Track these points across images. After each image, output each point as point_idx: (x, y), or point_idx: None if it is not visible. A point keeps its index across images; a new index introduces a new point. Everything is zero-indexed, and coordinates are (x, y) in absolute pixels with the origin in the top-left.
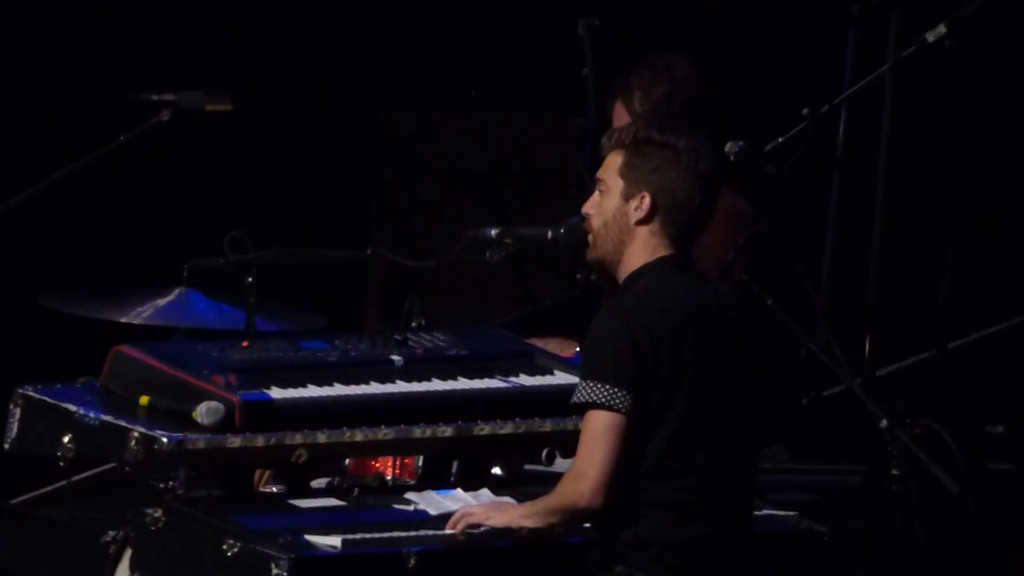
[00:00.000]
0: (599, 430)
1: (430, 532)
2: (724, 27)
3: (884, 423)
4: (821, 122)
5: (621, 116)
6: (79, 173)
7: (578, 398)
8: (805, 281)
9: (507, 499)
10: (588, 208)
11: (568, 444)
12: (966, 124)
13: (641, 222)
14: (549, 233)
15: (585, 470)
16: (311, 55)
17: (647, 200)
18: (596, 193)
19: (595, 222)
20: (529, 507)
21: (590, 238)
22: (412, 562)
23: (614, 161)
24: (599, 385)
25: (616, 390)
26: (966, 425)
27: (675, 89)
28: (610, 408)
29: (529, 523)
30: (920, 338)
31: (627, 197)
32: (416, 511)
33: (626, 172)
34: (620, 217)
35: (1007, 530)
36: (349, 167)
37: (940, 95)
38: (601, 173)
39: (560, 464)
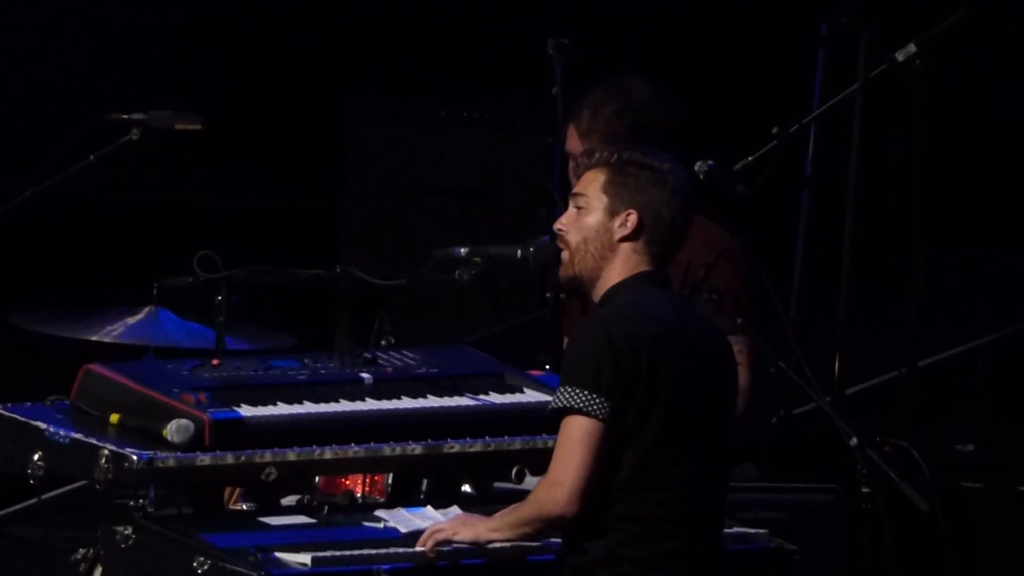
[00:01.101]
0: (576, 437)
1: (400, 550)
2: (694, 46)
3: (854, 441)
4: (791, 141)
5: (571, 137)
6: (49, 192)
7: (556, 403)
8: (774, 299)
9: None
10: (563, 224)
11: (538, 462)
12: (936, 143)
13: (625, 239)
14: (519, 252)
15: (561, 477)
16: (280, 74)
17: (633, 217)
18: (572, 209)
19: (573, 237)
20: (497, 519)
21: (564, 255)
22: None
23: (595, 178)
24: (578, 391)
25: (594, 396)
26: (936, 443)
27: (624, 110)
28: (588, 414)
29: (498, 535)
30: (890, 356)
31: (612, 214)
32: (386, 529)
33: (611, 189)
34: (603, 233)
35: (977, 549)
36: (318, 186)
37: (910, 114)
38: (580, 189)
39: (530, 482)
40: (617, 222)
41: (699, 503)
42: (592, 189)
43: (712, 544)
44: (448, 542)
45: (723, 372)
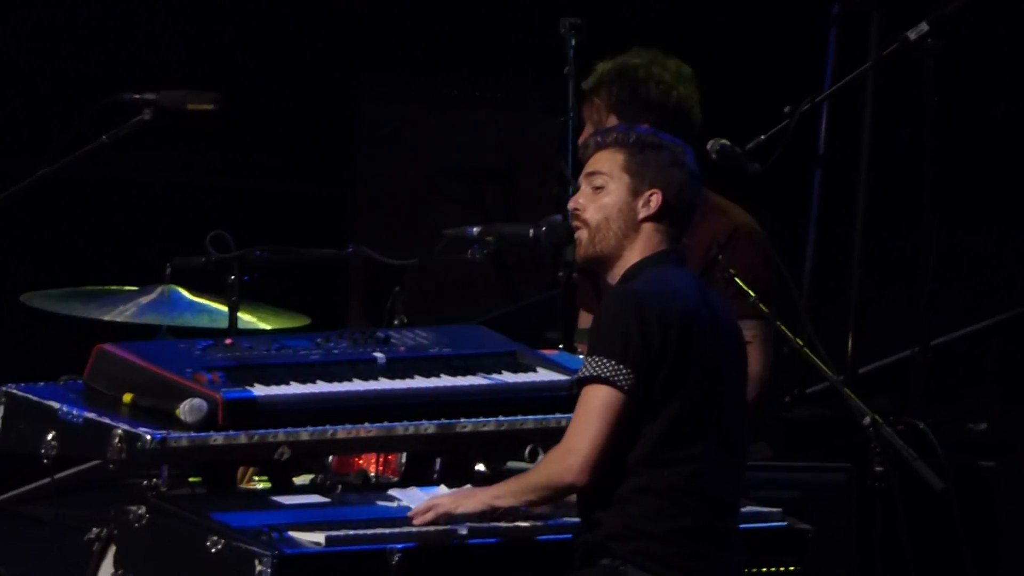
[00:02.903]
0: (596, 406)
1: (414, 529)
2: (706, 26)
3: (867, 420)
4: (803, 120)
5: (590, 112)
6: (61, 172)
7: (582, 372)
8: (787, 278)
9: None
10: (580, 203)
11: (551, 441)
12: (948, 121)
13: (648, 218)
14: (531, 231)
15: (576, 445)
16: (291, 54)
17: (657, 197)
18: (587, 188)
19: (593, 216)
20: (502, 486)
21: (580, 233)
22: (396, 559)
23: (614, 158)
24: (604, 361)
25: (620, 367)
26: (949, 422)
27: (645, 88)
28: (612, 384)
29: (502, 503)
30: (903, 335)
31: (635, 193)
32: (400, 508)
33: (633, 169)
34: (627, 212)
35: (990, 527)
36: (330, 166)
37: (921, 93)
38: (597, 167)
39: None
40: (640, 202)
41: (717, 480)
42: (611, 168)
43: (728, 521)
44: (450, 515)
45: (737, 354)
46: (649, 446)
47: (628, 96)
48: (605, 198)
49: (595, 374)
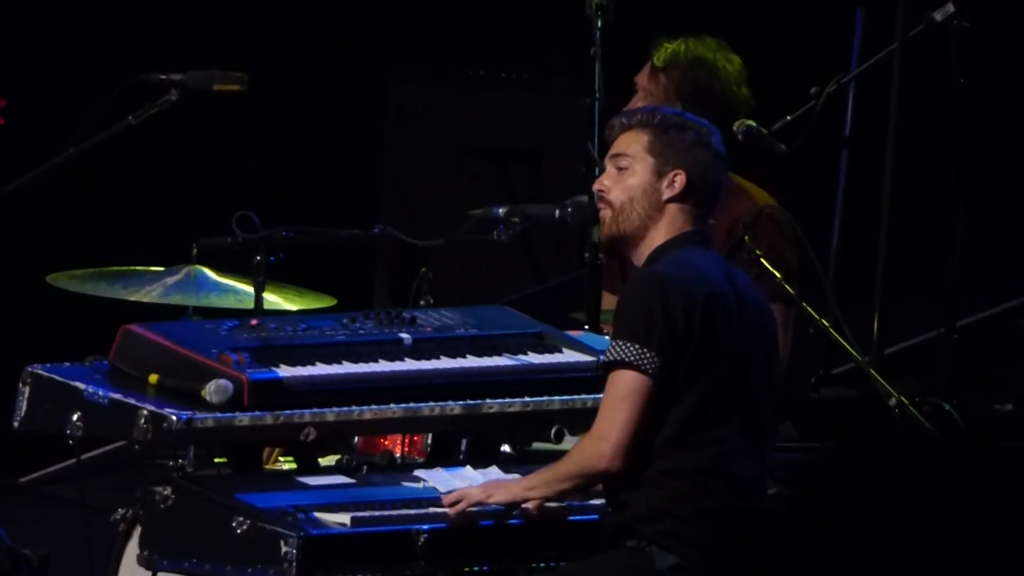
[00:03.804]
0: (624, 391)
1: (440, 510)
2: (733, 7)
3: (893, 401)
4: (829, 101)
5: (651, 85)
6: (88, 153)
7: (607, 357)
8: (813, 259)
9: (513, 475)
10: (605, 184)
11: (577, 422)
12: (973, 102)
13: (672, 199)
14: (556, 212)
15: (607, 431)
16: (319, 35)
17: (681, 177)
18: (612, 169)
19: (617, 197)
20: (535, 477)
21: (604, 214)
22: (422, 540)
23: (638, 139)
24: (629, 345)
25: (645, 351)
26: (975, 403)
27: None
28: (637, 368)
29: (536, 494)
30: (929, 316)
31: (659, 174)
32: (425, 489)
33: (657, 149)
34: (651, 193)
35: (1016, 508)
36: (357, 146)
37: (948, 73)
38: (622, 149)
39: (569, 442)
40: (664, 182)
41: (742, 461)
42: (635, 149)
43: (753, 502)
44: (482, 505)
45: (765, 335)
46: (674, 429)
47: (703, 86)
48: (630, 179)
49: (620, 358)
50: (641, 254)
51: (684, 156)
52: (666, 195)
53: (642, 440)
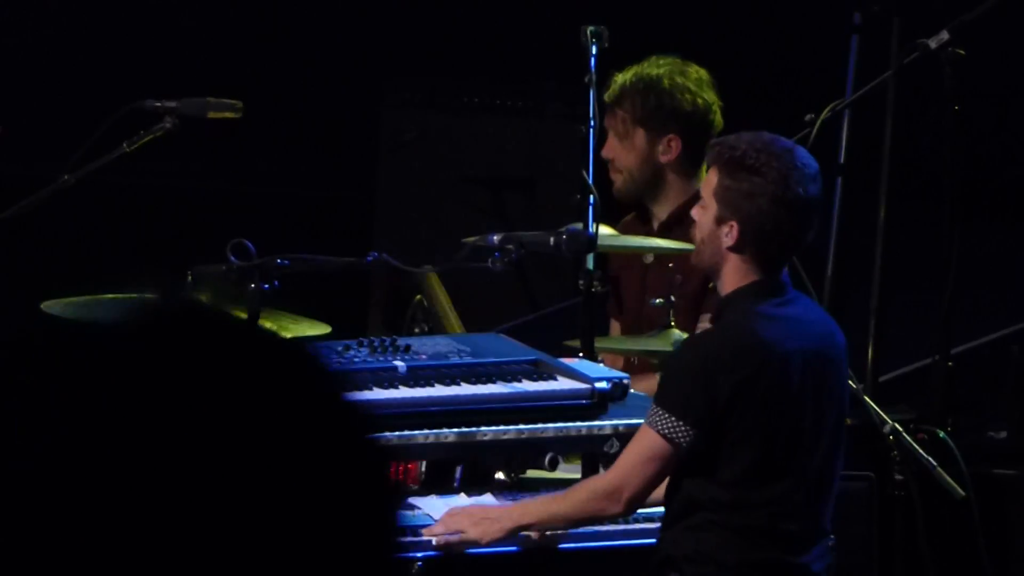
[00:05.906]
0: (652, 455)
1: (435, 538)
2: (727, 34)
3: (887, 428)
4: (824, 128)
5: (613, 123)
6: (83, 180)
7: (646, 420)
8: (807, 286)
9: (486, 499)
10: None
11: (571, 450)
12: (968, 130)
13: (731, 249)
14: (551, 240)
15: (623, 487)
16: (313, 61)
17: (735, 229)
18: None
19: (696, 234)
20: (531, 514)
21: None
22: (415, 568)
23: (711, 179)
24: (665, 415)
25: (680, 424)
26: (970, 431)
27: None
28: (669, 440)
29: (532, 532)
30: (923, 343)
31: (719, 222)
32: (420, 516)
33: (721, 195)
34: (714, 239)
35: (1011, 536)
36: (351, 173)
37: (942, 101)
38: (704, 187)
39: (563, 469)
40: (723, 231)
41: (798, 519)
42: (708, 191)
43: (805, 556)
44: (475, 543)
45: (840, 386)
46: (722, 489)
47: (655, 107)
48: (702, 218)
49: (654, 427)
50: (721, 287)
51: (741, 205)
52: (725, 244)
53: (688, 495)
